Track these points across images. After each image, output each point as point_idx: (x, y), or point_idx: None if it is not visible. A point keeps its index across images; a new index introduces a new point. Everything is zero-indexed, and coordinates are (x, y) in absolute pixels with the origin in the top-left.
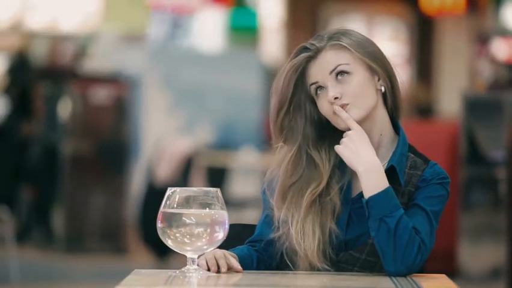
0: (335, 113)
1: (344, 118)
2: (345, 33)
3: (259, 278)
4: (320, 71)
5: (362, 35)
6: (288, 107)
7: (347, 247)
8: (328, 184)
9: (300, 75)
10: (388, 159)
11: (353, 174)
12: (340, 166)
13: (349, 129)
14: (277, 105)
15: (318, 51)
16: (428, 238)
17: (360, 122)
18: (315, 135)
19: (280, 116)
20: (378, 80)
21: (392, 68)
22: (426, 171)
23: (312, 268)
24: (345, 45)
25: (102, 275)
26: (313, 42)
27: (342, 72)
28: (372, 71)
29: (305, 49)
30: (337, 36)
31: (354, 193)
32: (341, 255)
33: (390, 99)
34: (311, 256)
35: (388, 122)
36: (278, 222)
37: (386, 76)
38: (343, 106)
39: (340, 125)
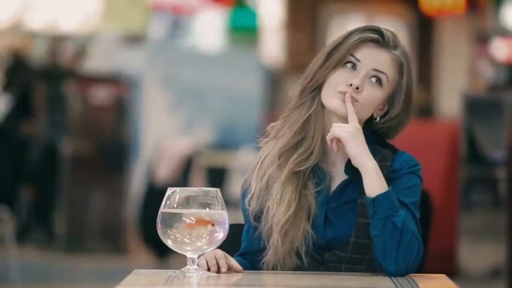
0: (341, 92)
1: (349, 111)
2: (410, 60)
3: (259, 278)
4: (370, 57)
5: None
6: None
7: (330, 247)
8: (307, 182)
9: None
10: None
11: (334, 171)
12: (317, 173)
13: (339, 117)
14: (333, 65)
15: (383, 45)
16: (419, 234)
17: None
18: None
19: (329, 73)
20: (380, 110)
21: (406, 114)
22: (395, 161)
23: (278, 254)
24: (404, 69)
25: (102, 275)
26: (390, 36)
27: (378, 79)
28: (387, 100)
29: (378, 32)
30: (405, 54)
31: (330, 193)
32: (326, 256)
33: (374, 125)
34: (276, 224)
35: None
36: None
37: (389, 114)
38: (353, 99)
39: (331, 103)
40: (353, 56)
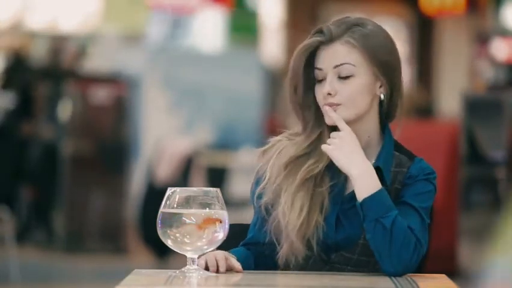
0: (324, 106)
1: (334, 118)
2: (366, 30)
3: (259, 278)
4: (326, 60)
5: (383, 36)
6: (303, 86)
7: (337, 248)
8: (323, 177)
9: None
10: (374, 159)
11: (348, 180)
12: (333, 168)
13: (335, 127)
14: (290, 84)
15: (331, 40)
16: (422, 235)
17: (348, 123)
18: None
19: (299, 95)
20: (380, 87)
21: (399, 76)
22: (411, 167)
23: (293, 249)
24: (359, 46)
25: (102, 275)
26: (332, 27)
27: (345, 72)
28: (376, 77)
29: (321, 32)
30: (356, 32)
31: (346, 192)
32: (333, 257)
33: (386, 105)
34: (291, 231)
35: (378, 124)
36: (269, 206)
37: (389, 86)
38: (334, 105)
39: (327, 120)
40: (315, 67)
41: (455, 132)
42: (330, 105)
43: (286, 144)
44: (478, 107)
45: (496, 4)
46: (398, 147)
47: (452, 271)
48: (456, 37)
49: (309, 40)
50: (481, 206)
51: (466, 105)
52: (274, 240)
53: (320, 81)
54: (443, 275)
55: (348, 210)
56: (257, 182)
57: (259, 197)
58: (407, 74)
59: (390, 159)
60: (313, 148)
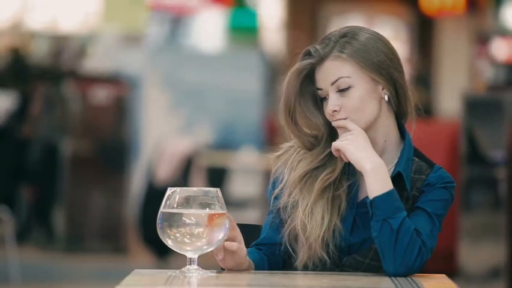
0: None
1: (342, 123)
2: (351, 39)
3: (259, 278)
4: (323, 79)
5: (371, 39)
6: (299, 109)
7: (350, 251)
8: (340, 180)
9: (309, 73)
10: (394, 165)
11: (361, 176)
12: (350, 166)
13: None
14: (284, 108)
15: (321, 60)
16: (429, 239)
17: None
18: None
19: (293, 119)
20: (383, 89)
21: (398, 73)
22: (430, 175)
23: (311, 256)
24: (347, 58)
25: (102, 275)
26: (318, 47)
27: (343, 85)
28: (375, 81)
29: (309, 54)
30: (342, 44)
31: (360, 197)
32: (344, 259)
33: (395, 105)
34: (314, 241)
35: (394, 127)
36: (285, 208)
37: (391, 85)
38: (342, 119)
39: (341, 132)
40: (317, 89)
41: (455, 132)
42: (340, 119)
43: (302, 155)
44: (478, 107)
45: (496, 4)
46: (417, 153)
47: (452, 271)
48: (456, 37)
49: (299, 64)
50: (481, 206)
51: (466, 105)
52: (288, 245)
53: (325, 98)
54: (443, 275)
55: (364, 214)
56: (274, 184)
57: (277, 198)
58: (406, 74)
59: (410, 165)
60: (328, 159)
